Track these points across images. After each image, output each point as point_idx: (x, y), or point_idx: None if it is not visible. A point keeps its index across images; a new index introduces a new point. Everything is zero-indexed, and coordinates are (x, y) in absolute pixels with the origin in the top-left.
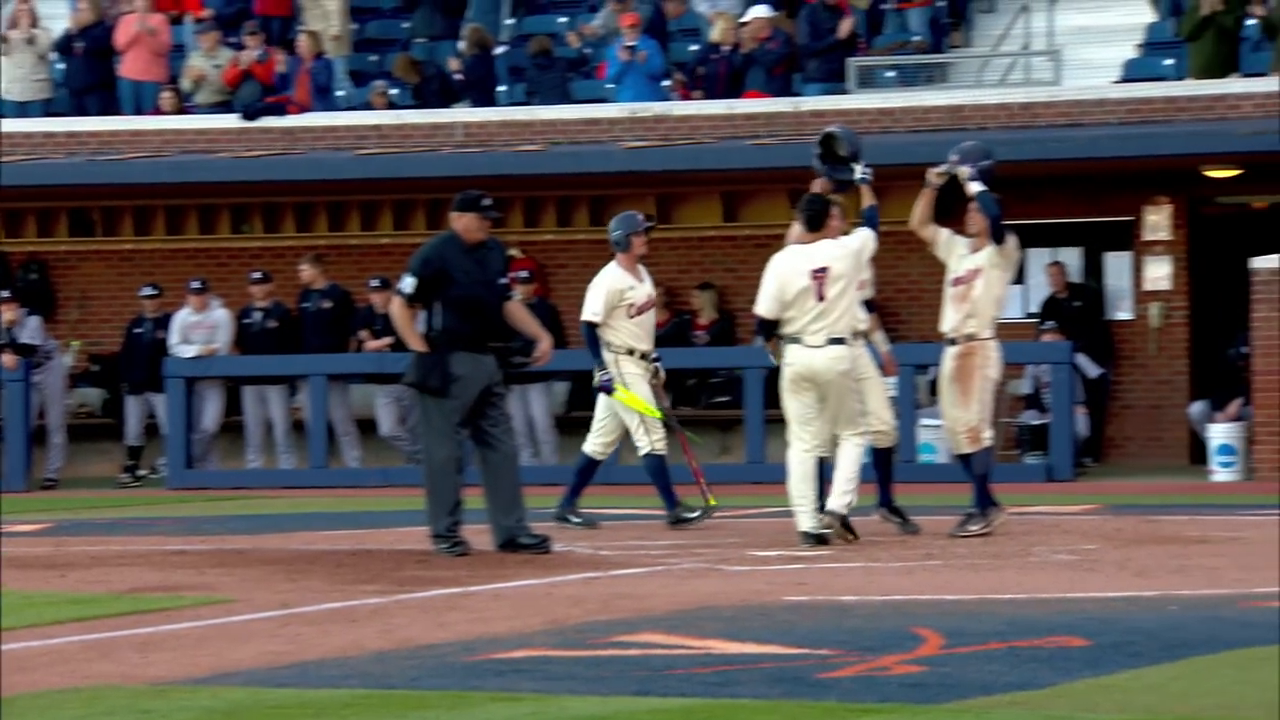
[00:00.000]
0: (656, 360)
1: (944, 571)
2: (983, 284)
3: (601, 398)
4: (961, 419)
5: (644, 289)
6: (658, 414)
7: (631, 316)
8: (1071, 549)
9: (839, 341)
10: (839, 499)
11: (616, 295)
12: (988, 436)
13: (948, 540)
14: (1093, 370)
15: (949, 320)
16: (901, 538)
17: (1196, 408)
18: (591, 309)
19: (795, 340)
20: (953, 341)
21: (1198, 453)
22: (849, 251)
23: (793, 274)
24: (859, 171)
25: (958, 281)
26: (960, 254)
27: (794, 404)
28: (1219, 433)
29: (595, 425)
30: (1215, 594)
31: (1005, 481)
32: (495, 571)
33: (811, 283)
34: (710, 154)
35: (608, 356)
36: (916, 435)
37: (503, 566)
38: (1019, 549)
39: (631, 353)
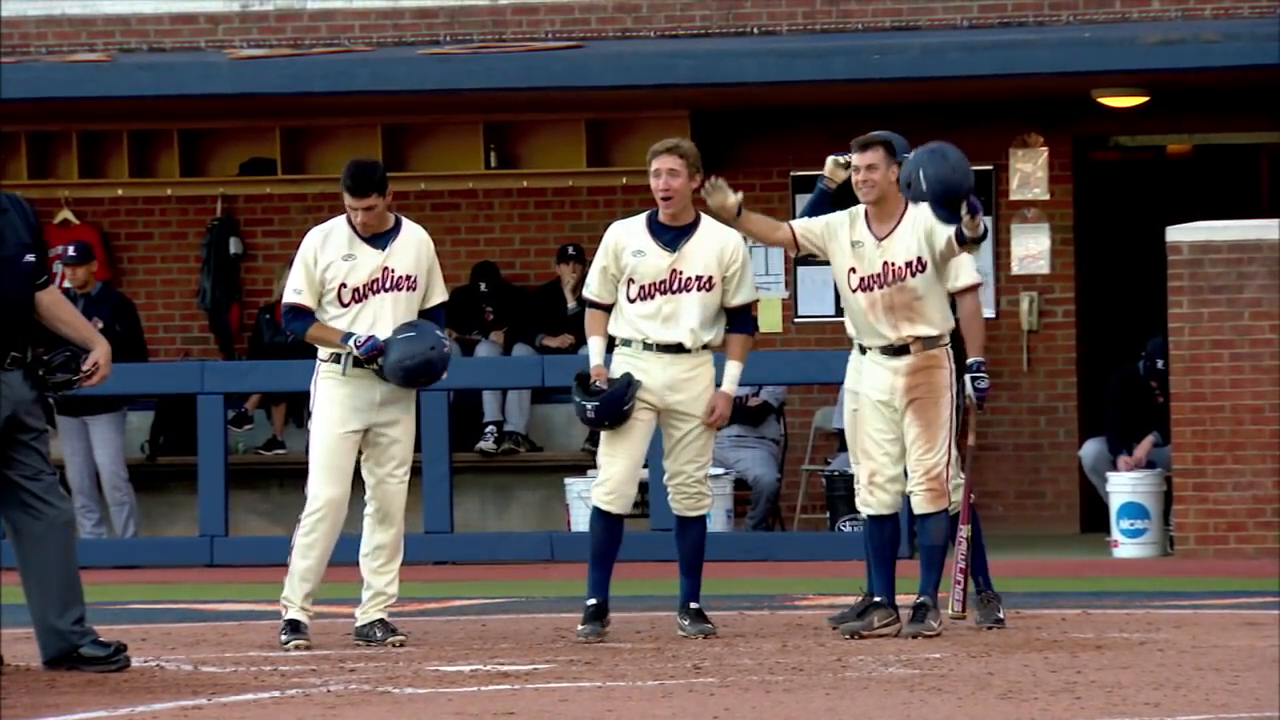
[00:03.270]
0: None
1: (720, 694)
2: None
3: None
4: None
5: None
6: None
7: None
8: (907, 659)
9: None
10: None
11: None
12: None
13: (725, 647)
14: None
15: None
16: (657, 645)
17: (1091, 448)
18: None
19: None
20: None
21: (1093, 515)
22: None
23: None
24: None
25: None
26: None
27: None
28: (1123, 486)
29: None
30: None
31: (811, 559)
32: (40, 700)
33: None
34: (364, 70)
35: None
36: None
37: (53, 692)
38: (831, 659)
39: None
